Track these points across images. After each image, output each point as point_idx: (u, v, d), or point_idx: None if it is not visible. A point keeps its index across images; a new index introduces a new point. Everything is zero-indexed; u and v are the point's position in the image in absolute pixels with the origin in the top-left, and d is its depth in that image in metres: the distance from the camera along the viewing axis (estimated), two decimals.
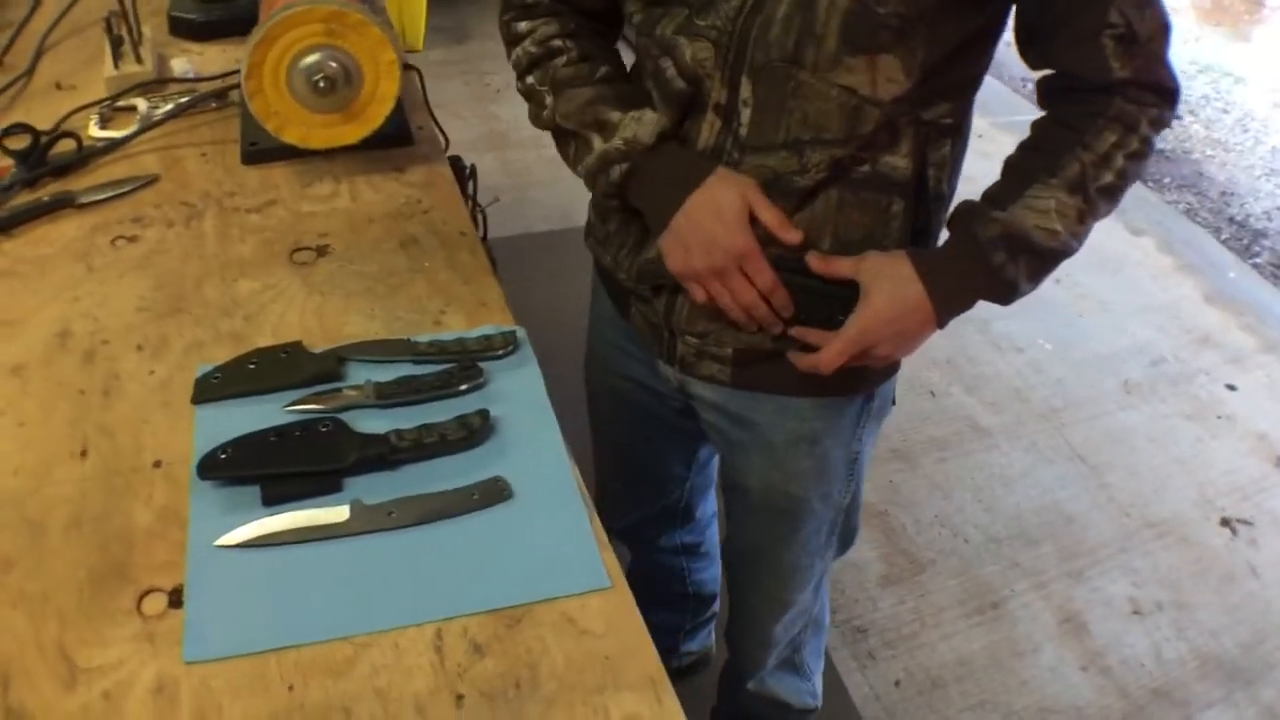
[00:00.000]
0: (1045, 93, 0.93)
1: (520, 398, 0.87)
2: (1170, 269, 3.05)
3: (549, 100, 0.96)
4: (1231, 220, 3.38)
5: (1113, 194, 0.89)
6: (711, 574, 1.62)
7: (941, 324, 0.91)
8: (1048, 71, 0.92)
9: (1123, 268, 3.01)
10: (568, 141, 0.96)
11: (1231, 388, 2.61)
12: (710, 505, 1.51)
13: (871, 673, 1.88)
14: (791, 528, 1.16)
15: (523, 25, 0.98)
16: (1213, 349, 2.74)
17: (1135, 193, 3.43)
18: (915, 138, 0.90)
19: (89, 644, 0.67)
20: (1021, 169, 0.89)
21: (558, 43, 0.96)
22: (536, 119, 0.99)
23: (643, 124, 0.91)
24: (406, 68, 1.26)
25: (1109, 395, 2.55)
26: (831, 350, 0.90)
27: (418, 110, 1.24)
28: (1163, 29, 0.85)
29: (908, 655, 1.92)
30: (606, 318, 1.15)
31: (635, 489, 1.42)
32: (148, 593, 0.70)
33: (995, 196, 0.89)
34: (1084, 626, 1.99)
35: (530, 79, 0.98)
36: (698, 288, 0.92)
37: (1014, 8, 0.88)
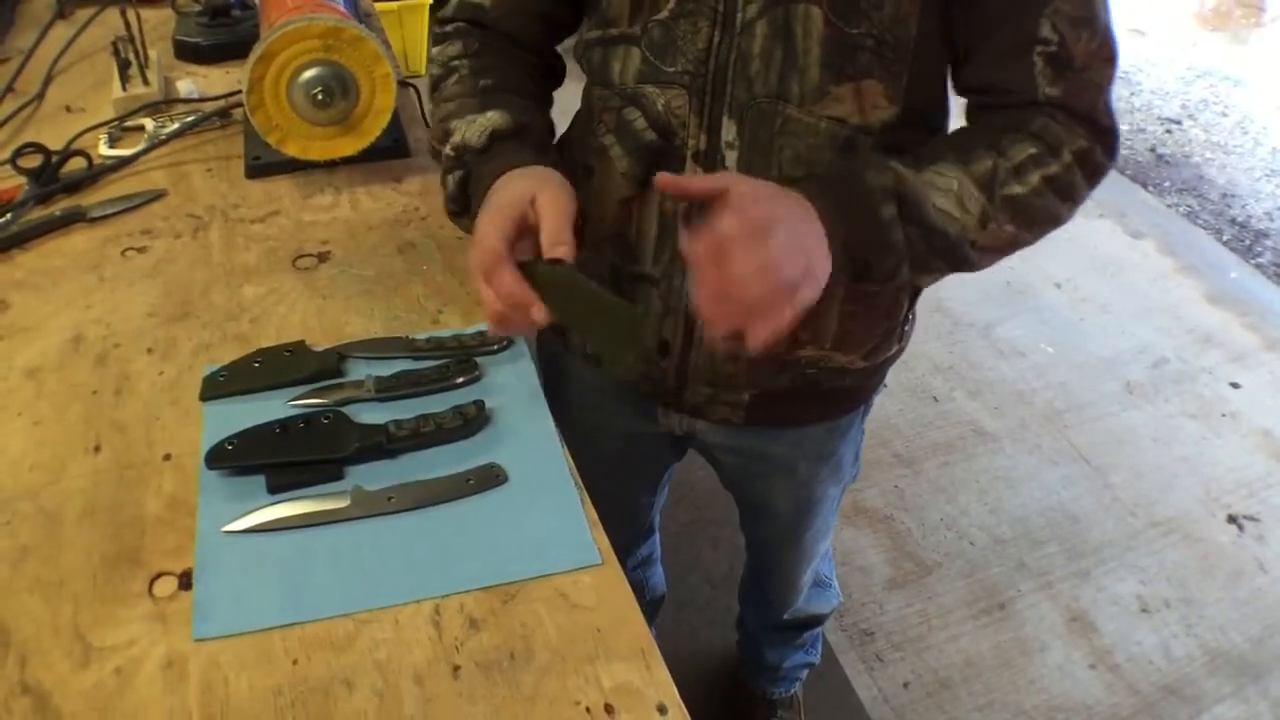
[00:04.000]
0: (967, 117, 0.86)
1: (514, 389, 0.90)
2: (1171, 270, 3.07)
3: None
4: (1233, 222, 3.39)
5: (1021, 210, 0.79)
6: (660, 576, 1.65)
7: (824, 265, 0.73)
8: (972, 98, 0.85)
9: (1123, 270, 3.03)
10: (439, 162, 0.89)
11: (1235, 386, 2.62)
12: (658, 515, 1.54)
13: (880, 675, 1.89)
14: (814, 514, 1.21)
15: (433, 49, 0.93)
16: (1215, 348, 2.75)
17: (1134, 196, 3.46)
18: None
19: (102, 624, 0.70)
20: (928, 152, 0.80)
21: (455, 62, 0.90)
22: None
23: (473, 126, 0.84)
24: (404, 84, 1.31)
25: (1112, 397, 2.56)
26: (696, 250, 0.70)
27: (415, 124, 1.28)
28: (1104, 60, 0.78)
29: (915, 657, 1.92)
30: (573, 377, 1.09)
31: (610, 527, 1.43)
32: (158, 576, 0.73)
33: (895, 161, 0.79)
34: (1092, 625, 2.00)
35: (430, 106, 0.92)
36: None
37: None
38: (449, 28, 0.94)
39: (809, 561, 1.34)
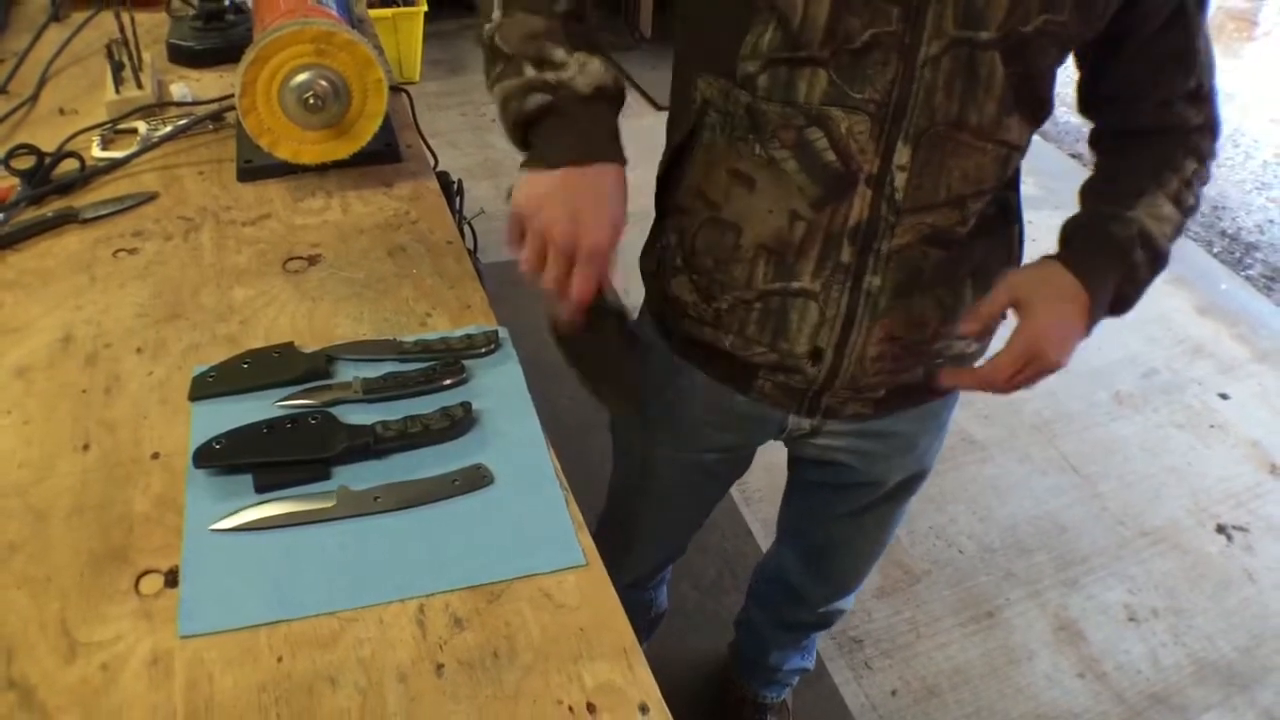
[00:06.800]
0: (1115, 134, 0.99)
1: (501, 391, 0.91)
2: (1161, 281, 3.04)
3: (496, 15, 0.86)
4: (1223, 234, 3.41)
5: (1189, 216, 0.94)
6: (665, 593, 1.66)
7: (1091, 323, 0.92)
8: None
9: None
10: (498, 61, 0.86)
11: (1224, 397, 2.63)
12: None
13: (868, 682, 1.89)
14: (920, 484, 1.23)
15: None
16: (1205, 359, 2.76)
17: None
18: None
19: (89, 621, 0.70)
20: (1129, 180, 0.94)
21: None
22: (479, 34, 0.89)
23: (585, 72, 0.82)
24: (396, 89, 1.31)
25: (1101, 406, 2.57)
26: (1000, 366, 0.90)
27: (407, 129, 1.28)
28: (1214, 72, 0.93)
29: (904, 665, 1.93)
30: (694, 394, 1.10)
31: (670, 546, 1.46)
32: (145, 574, 0.74)
33: (1117, 201, 0.93)
34: (1080, 634, 2.01)
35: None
36: (520, 239, 0.80)
37: (1084, 75, 0.95)
38: None
39: (887, 544, 1.36)
